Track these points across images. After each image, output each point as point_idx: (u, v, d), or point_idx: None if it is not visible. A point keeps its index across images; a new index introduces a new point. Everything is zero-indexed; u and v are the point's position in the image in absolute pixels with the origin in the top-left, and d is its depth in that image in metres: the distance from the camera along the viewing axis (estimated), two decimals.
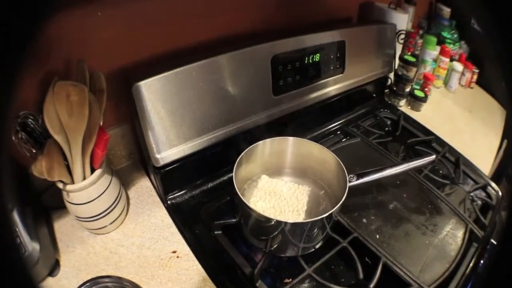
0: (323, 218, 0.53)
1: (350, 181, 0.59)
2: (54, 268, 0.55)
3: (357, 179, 0.60)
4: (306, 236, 0.55)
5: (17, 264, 0.18)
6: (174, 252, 0.60)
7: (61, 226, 0.61)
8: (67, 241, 0.59)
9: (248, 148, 0.60)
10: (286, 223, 0.53)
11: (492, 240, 0.71)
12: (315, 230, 0.56)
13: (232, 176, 0.57)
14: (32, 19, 0.16)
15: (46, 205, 0.63)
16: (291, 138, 0.65)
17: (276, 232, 0.54)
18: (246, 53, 0.64)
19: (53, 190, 0.54)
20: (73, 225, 0.61)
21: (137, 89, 0.55)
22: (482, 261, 0.66)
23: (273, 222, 0.53)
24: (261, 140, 0.63)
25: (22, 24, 0.16)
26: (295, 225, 0.54)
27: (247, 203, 0.53)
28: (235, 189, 0.54)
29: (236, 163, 0.58)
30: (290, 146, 0.66)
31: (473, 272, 0.63)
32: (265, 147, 0.64)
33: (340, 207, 0.56)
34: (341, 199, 0.55)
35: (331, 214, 0.54)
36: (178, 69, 0.58)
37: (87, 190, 0.54)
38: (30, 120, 0.50)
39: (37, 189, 0.61)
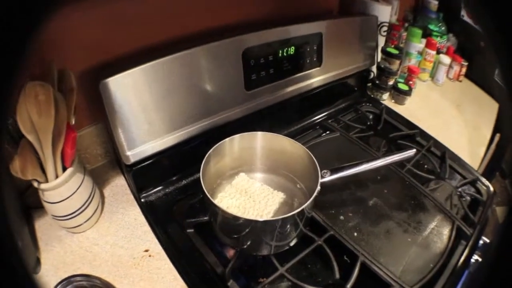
0: (294, 214, 0.49)
1: (323, 177, 0.54)
2: (35, 265, 0.54)
3: (331, 174, 0.55)
4: (278, 234, 0.51)
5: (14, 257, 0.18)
6: (147, 251, 0.57)
7: (41, 225, 0.59)
8: (46, 239, 0.58)
9: (215, 145, 0.56)
10: (256, 221, 0.49)
11: (484, 238, 0.65)
12: (287, 227, 0.51)
13: None
14: (34, 15, 0.16)
15: (27, 204, 0.60)
16: (259, 133, 0.60)
17: (245, 231, 0.50)
18: (215, 47, 0.60)
19: (34, 189, 0.53)
20: (51, 224, 0.59)
21: (104, 86, 0.52)
22: (473, 260, 0.61)
23: (241, 221, 0.48)
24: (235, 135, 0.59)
25: (23, 21, 0.15)
26: (265, 223, 0.50)
27: (211, 199, 0.49)
28: (201, 186, 0.50)
29: (204, 160, 0.54)
30: (260, 141, 0.61)
31: (462, 271, 0.58)
32: (234, 143, 0.59)
33: (312, 203, 0.52)
34: (313, 195, 0.50)
35: (302, 210, 0.49)
36: (145, 65, 0.54)
37: (59, 188, 0.52)
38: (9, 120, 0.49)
39: (19, 189, 0.58)
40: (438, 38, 1.08)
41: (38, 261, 0.54)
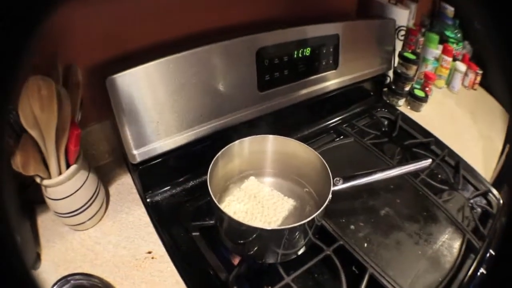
0: (304, 223, 0.46)
1: (335, 185, 0.51)
2: (35, 261, 0.52)
3: (344, 182, 0.52)
4: (285, 243, 0.48)
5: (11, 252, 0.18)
6: (150, 252, 0.55)
7: (43, 221, 0.58)
8: (48, 235, 0.56)
9: (224, 148, 0.53)
10: (263, 229, 0.46)
11: (491, 251, 0.62)
12: (296, 236, 0.49)
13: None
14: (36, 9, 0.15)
15: (30, 199, 0.59)
16: (271, 136, 0.57)
17: (251, 237, 0.47)
18: (229, 46, 0.57)
19: (37, 184, 0.51)
20: (54, 220, 0.58)
21: (111, 82, 0.50)
22: (478, 273, 0.58)
23: (247, 228, 0.46)
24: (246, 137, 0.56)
25: (26, 14, 0.15)
26: (272, 231, 0.47)
27: (217, 204, 0.46)
28: (208, 188, 0.48)
29: (212, 163, 0.51)
30: (271, 145, 0.58)
31: (469, 284, 0.55)
32: (244, 146, 0.56)
33: (323, 212, 0.49)
34: (324, 203, 0.48)
35: (313, 219, 0.46)
36: (154, 62, 0.52)
37: (63, 185, 0.51)
38: (12, 114, 0.47)
39: (22, 183, 0.57)
40: (454, 45, 1.04)
41: (38, 257, 0.52)
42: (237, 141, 0.54)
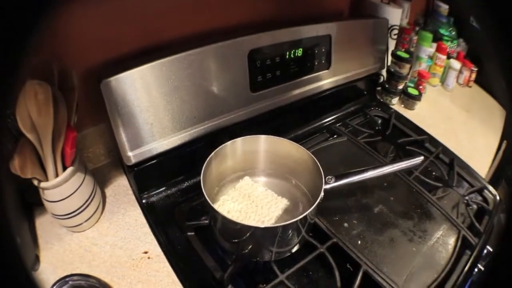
0: (296, 221, 0.46)
1: (327, 183, 0.52)
2: (34, 263, 0.52)
3: (336, 180, 0.52)
4: (279, 241, 0.48)
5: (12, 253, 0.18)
6: (146, 252, 0.55)
7: (42, 223, 0.58)
8: (47, 237, 0.56)
9: (217, 149, 0.54)
10: (256, 227, 0.47)
11: (488, 247, 0.62)
12: (289, 234, 0.49)
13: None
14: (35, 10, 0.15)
15: (29, 201, 0.59)
16: (263, 136, 0.57)
17: (245, 236, 0.47)
18: (221, 47, 0.58)
19: (36, 187, 0.51)
20: (52, 222, 0.58)
21: (105, 85, 0.50)
22: (476, 269, 0.58)
23: (241, 226, 0.46)
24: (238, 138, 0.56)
25: (24, 16, 0.15)
26: (265, 229, 0.47)
27: (211, 203, 0.46)
28: (201, 188, 0.48)
29: (205, 163, 0.51)
30: (263, 145, 0.58)
31: (465, 282, 0.55)
32: (236, 147, 0.57)
33: (316, 210, 0.49)
34: (316, 201, 0.48)
35: (305, 217, 0.47)
36: (148, 65, 0.52)
37: (60, 187, 0.51)
38: (10, 118, 0.47)
39: (21, 185, 0.56)
40: (449, 43, 1.04)
41: (37, 259, 0.53)
42: (229, 142, 0.55)
